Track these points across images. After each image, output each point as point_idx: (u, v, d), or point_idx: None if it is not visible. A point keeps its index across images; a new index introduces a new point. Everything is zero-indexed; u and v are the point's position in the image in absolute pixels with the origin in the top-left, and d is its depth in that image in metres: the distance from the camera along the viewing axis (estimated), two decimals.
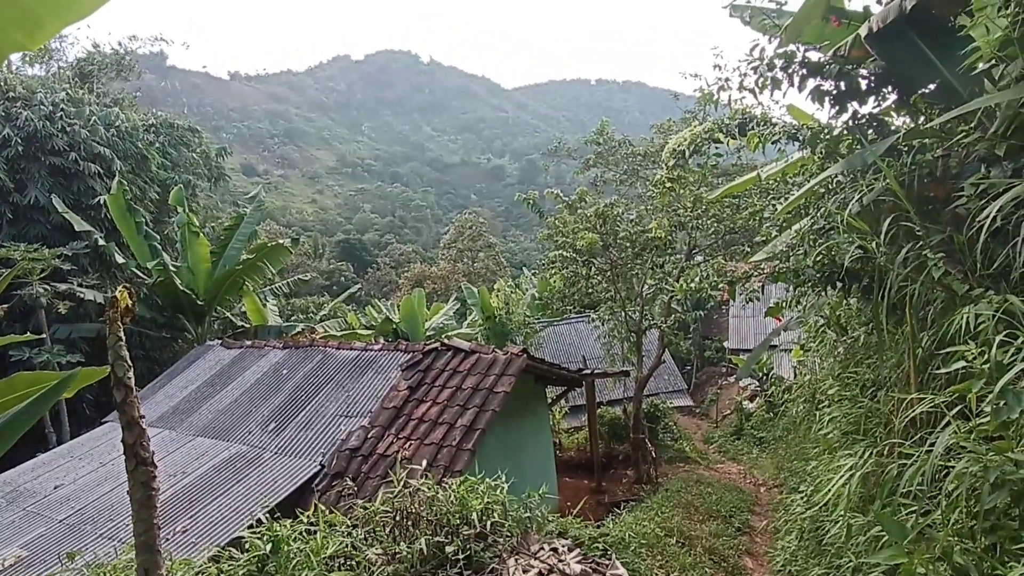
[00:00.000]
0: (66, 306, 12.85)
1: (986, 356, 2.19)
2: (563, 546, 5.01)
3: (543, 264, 14.03)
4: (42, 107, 14.44)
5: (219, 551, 4.79)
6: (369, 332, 17.19)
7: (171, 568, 4.37)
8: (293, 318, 19.24)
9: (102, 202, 14.24)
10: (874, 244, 3.94)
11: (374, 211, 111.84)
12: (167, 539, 7.03)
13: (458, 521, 4.77)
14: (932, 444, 2.26)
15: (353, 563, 4.53)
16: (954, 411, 2.38)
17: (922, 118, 4.27)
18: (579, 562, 4.76)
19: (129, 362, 2.27)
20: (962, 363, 2.29)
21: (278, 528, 4.20)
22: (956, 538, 2.18)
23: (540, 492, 5.40)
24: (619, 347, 13.06)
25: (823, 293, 5.18)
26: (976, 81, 3.63)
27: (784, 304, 7.27)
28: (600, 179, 12.32)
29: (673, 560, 5.91)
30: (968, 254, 3.42)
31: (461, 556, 4.55)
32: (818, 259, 4.87)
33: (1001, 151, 3.50)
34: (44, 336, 13.04)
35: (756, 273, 7.55)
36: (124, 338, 2.29)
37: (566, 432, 15.83)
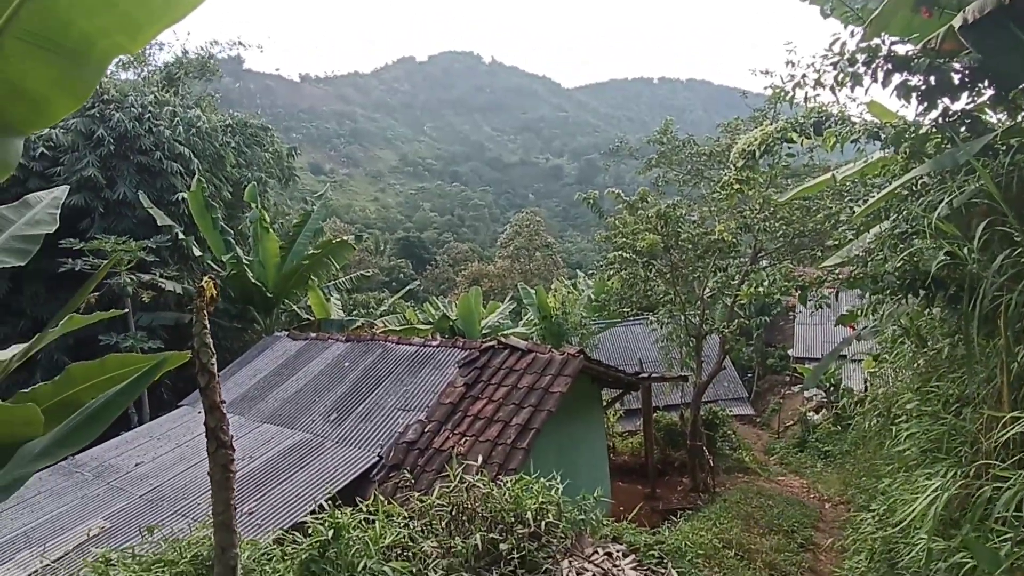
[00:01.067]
0: (149, 295, 13.74)
1: None
2: (617, 551, 4.94)
3: (601, 265, 13.86)
4: (132, 109, 15.48)
5: (283, 534, 5.00)
6: (427, 328, 17.52)
7: (241, 547, 4.58)
8: (355, 313, 19.83)
9: (182, 198, 15.13)
10: (965, 250, 3.67)
11: (433, 209, 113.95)
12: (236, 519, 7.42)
13: (512, 519, 4.79)
14: None
15: (409, 554, 4.62)
16: None
17: (1022, 115, 3.95)
18: (634, 568, 4.68)
19: (212, 349, 2.40)
20: None
21: (339, 515, 4.33)
22: None
23: (595, 495, 5.34)
24: (677, 351, 12.76)
25: (903, 301, 4.88)
26: None
27: (858, 312, 6.91)
28: (662, 179, 12.07)
29: (731, 573, 5.73)
30: None
31: (515, 554, 4.56)
32: (899, 265, 4.59)
33: None
34: (130, 323, 13.99)
35: (829, 278, 7.20)
36: (209, 327, 2.42)
37: (620, 436, 15.60)
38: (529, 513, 4.70)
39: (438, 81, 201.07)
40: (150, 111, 15.68)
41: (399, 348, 10.24)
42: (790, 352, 24.76)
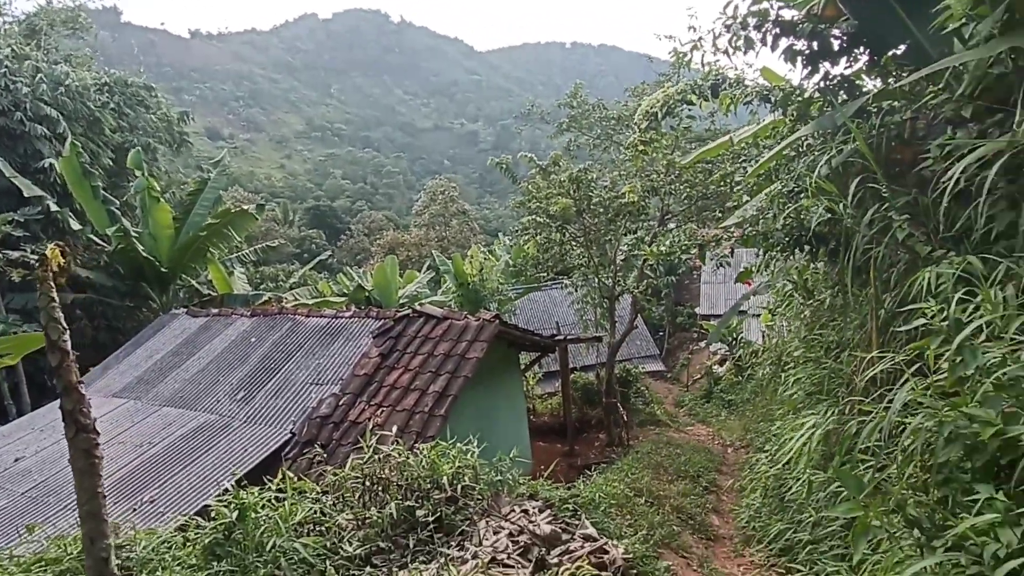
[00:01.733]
0: (20, 274, 12.35)
1: (945, 314, 2.21)
2: (534, 508, 5.07)
3: (516, 230, 13.91)
4: None
5: (187, 520, 4.73)
6: (341, 300, 16.97)
7: (134, 538, 4.30)
8: (262, 286, 18.86)
9: (50, 166, 13.58)
10: (841, 206, 3.95)
11: (345, 177, 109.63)
12: (135, 509, 6.96)
13: (429, 485, 4.79)
14: (890, 401, 2.29)
15: (323, 529, 4.52)
16: (912, 369, 2.42)
17: (892, 79, 4.25)
18: (549, 523, 4.82)
19: (64, 325, 2.14)
20: (922, 321, 2.32)
21: (244, 496, 4.15)
22: (910, 491, 2.23)
23: (511, 456, 5.43)
24: (592, 313, 13.14)
25: (791, 257, 5.22)
26: (946, 41, 3.60)
27: (754, 269, 7.35)
28: (574, 144, 12.17)
29: (642, 519, 6.05)
30: (932, 216, 3.45)
31: (431, 519, 4.57)
32: (787, 222, 4.89)
33: (967, 113, 3.50)
34: None
35: (725, 237, 7.61)
36: (57, 300, 2.16)
37: (540, 398, 15.99)
38: (445, 478, 4.71)
39: (343, 40, 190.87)
40: (6, 66, 13.82)
41: (309, 321, 9.86)
42: (697, 310, 26.15)
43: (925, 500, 2.17)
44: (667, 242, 6.29)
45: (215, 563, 3.88)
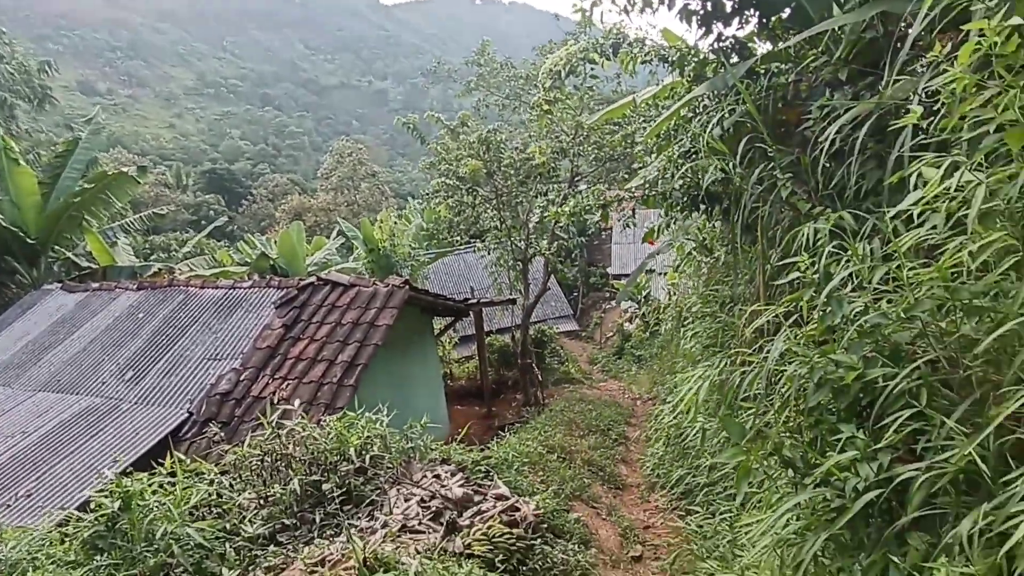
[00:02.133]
0: None
1: (816, 267, 2.34)
2: (446, 472, 5.07)
3: (428, 194, 13.58)
4: None
5: (69, 514, 4.33)
6: (243, 269, 15.99)
7: (1, 538, 3.89)
8: (152, 257, 17.41)
9: None
10: (732, 166, 4.09)
11: (244, 138, 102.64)
12: (8, 506, 6.33)
13: (336, 458, 4.65)
14: (770, 351, 2.43)
15: (222, 510, 4.29)
16: (790, 321, 2.56)
17: (780, 42, 4.40)
18: (461, 486, 4.85)
19: None
20: (797, 274, 2.45)
21: (129, 483, 3.83)
22: (786, 434, 2.39)
23: (422, 422, 5.38)
24: (506, 276, 13.18)
25: (689, 216, 5.41)
26: (827, 6, 3.75)
27: (657, 229, 7.61)
28: (483, 104, 11.93)
29: (554, 474, 6.23)
30: (812, 175, 3.64)
31: (339, 492, 4.46)
32: (684, 182, 5.04)
33: (844, 76, 3.69)
34: None
35: (627, 197, 7.78)
36: None
37: (457, 362, 16.01)
38: (352, 449, 4.59)
39: None
40: None
41: (204, 293, 9.21)
42: (608, 270, 26.96)
43: (798, 442, 2.32)
44: (572, 203, 6.35)
45: (97, 557, 3.58)
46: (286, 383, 7.31)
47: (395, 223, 16.30)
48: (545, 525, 4.72)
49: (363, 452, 4.73)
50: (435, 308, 10.15)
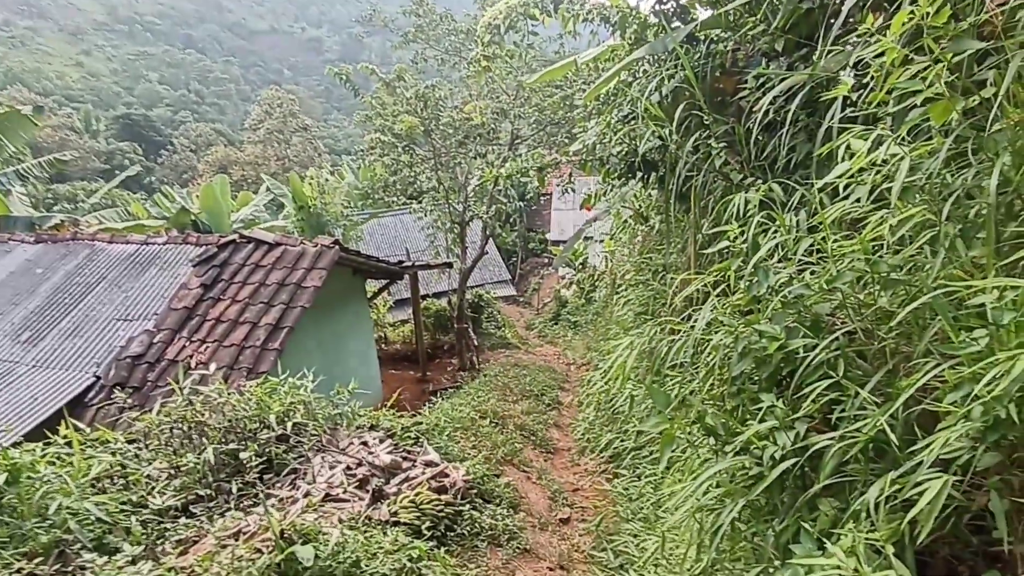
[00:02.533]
0: None
1: (745, 237, 2.34)
2: (374, 439, 4.95)
3: (362, 150, 13.01)
4: None
5: None
6: (160, 224, 14.96)
7: None
8: (56, 209, 15.97)
9: None
10: (668, 133, 4.06)
11: (163, 82, 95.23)
12: None
13: (256, 425, 4.43)
14: (697, 320, 2.43)
15: (128, 482, 4.01)
16: (718, 290, 2.57)
17: (721, 8, 4.34)
18: (390, 452, 4.75)
19: None
20: (726, 244, 2.44)
21: (16, 454, 3.50)
22: (710, 403, 2.41)
23: (350, 388, 5.21)
24: (443, 239, 12.93)
25: (626, 183, 5.38)
26: None
27: (595, 196, 7.58)
28: (421, 57, 11.41)
29: (486, 439, 6.24)
30: (745, 145, 3.65)
31: (259, 461, 4.26)
32: (621, 148, 4.98)
33: (780, 46, 3.68)
34: None
35: (565, 162, 7.70)
36: None
37: (392, 326, 15.75)
38: (273, 416, 4.38)
39: None
40: None
41: (113, 248, 8.51)
42: (547, 235, 27.08)
43: (720, 411, 2.34)
44: (510, 165, 6.20)
45: None
46: (204, 346, 6.91)
47: (326, 180, 15.58)
48: (475, 491, 4.72)
49: (285, 419, 4.53)
50: (368, 270, 9.83)
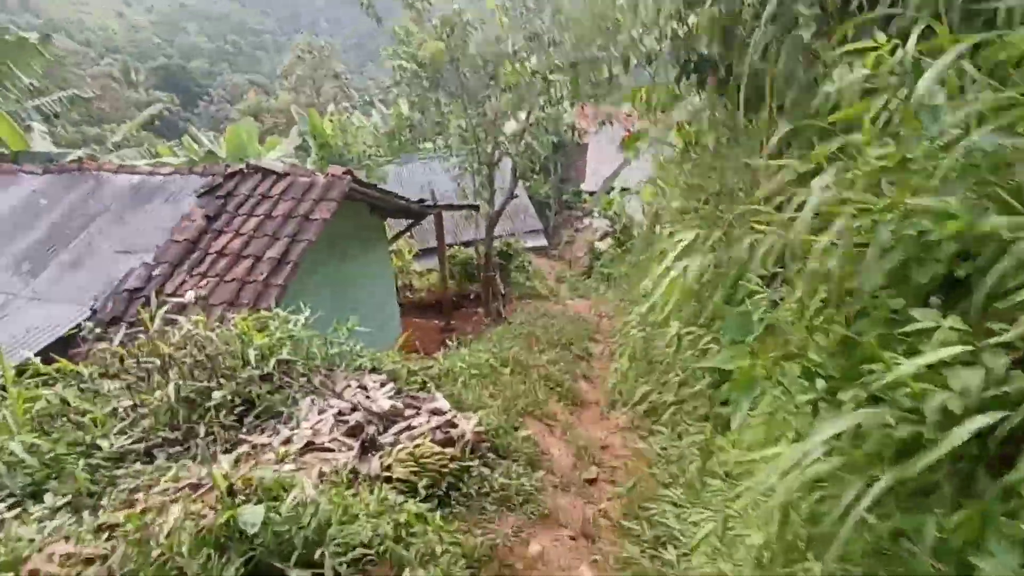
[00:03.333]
0: None
1: (902, 57, 1.48)
2: (375, 382, 4.33)
3: (388, 86, 12.15)
4: None
5: None
6: (184, 164, 14.50)
7: None
8: (84, 147, 15.68)
9: None
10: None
11: (202, 34, 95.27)
12: None
13: (236, 362, 3.84)
14: (799, 207, 1.62)
15: (79, 422, 3.48)
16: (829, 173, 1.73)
17: None
18: (390, 398, 4.12)
19: None
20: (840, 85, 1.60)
21: None
22: (809, 333, 1.63)
23: (349, 325, 4.58)
24: (471, 181, 12.12)
25: (678, 85, 4.47)
26: None
27: (635, 97, 6.67)
28: None
29: (505, 389, 5.58)
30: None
31: (239, 402, 3.68)
32: (675, 42, 4.08)
33: None
34: None
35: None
36: None
37: (419, 273, 15.17)
38: (252, 353, 3.77)
39: None
40: None
41: (118, 179, 8.01)
42: (583, 186, 25.93)
43: (828, 342, 1.55)
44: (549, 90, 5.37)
45: None
46: (205, 280, 6.38)
47: (348, 116, 14.79)
48: (487, 444, 4.06)
49: (268, 356, 3.92)
50: (387, 208, 9.13)
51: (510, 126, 11.79)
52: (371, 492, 2.99)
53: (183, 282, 6.43)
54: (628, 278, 13.45)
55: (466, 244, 16.12)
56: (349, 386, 4.27)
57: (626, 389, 5.51)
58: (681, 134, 5.28)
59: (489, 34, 11.20)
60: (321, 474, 3.14)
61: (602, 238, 20.91)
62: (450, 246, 15.88)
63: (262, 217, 6.86)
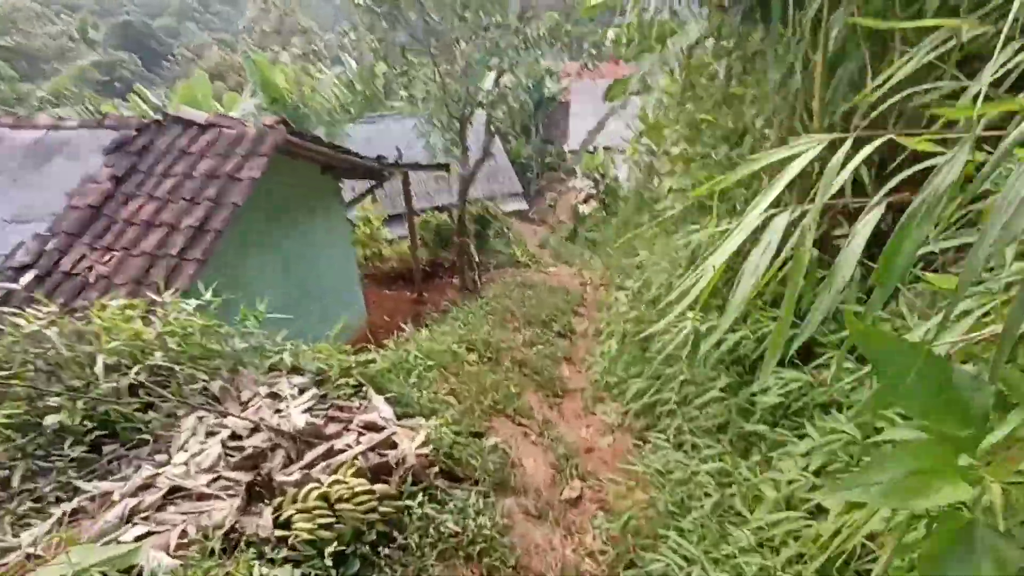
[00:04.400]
0: None
1: None
2: (292, 387, 3.34)
3: (343, 30, 10.75)
4: None
5: None
6: None
7: None
8: (14, 105, 14.15)
9: None
10: None
11: None
12: None
13: (86, 371, 2.82)
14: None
15: None
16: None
17: None
18: (312, 408, 3.15)
19: None
20: None
21: None
22: None
23: (257, 313, 3.56)
24: (440, 138, 10.93)
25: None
26: None
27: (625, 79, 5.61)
28: None
29: (472, 382, 4.63)
30: None
31: (88, 426, 2.69)
32: None
33: None
34: None
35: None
36: None
37: (388, 241, 14.06)
38: (102, 358, 2.76)
39: None
40: None
41: (15, 135, 6.76)
42: (565, 147, 24.72)
43: None
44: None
45: None
46: (109, 255, 5.29)
47: (305, 67, 13.34)
48: (438, 468, 3.13)
49: (141, 359, 2.91)
50: (341, 167, 7.99)
51: (488, 80, 10.60)
52: (249, 571, 2.03)
53: (82, 257, 5.33)
54: (614, 243, 12.50)
55: (440, 209, 15.00)
56: (257, 394, 3.28)
57: (615, 381, 4.59)
58: (685, 67, 4.23)
59: None
60: (184, 539, 2.18)
61: (586, 200, 19.90)
62: (423, 211, 14.75)
63: (180, 177, 5.73)
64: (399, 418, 3.45)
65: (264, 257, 6.82)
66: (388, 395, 3.60)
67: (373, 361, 3.93)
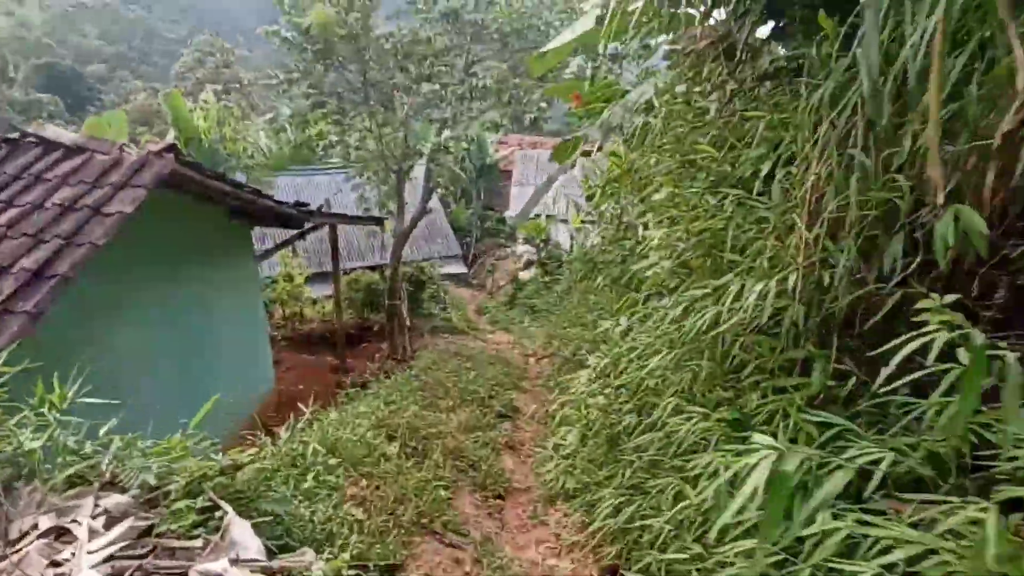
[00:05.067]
0: None
1: None
2: (99, 516, 2.16)
3: (274, 77, 9.86)
4: None
5: None
6: None
7: None
8: None
9: None
10: None
11: (102, 38, 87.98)
12: None
13: None
14: None
15: None
16: None
17: None
18: (112, 558, 1.98)
19: None
20: None
21: None
22: None
23: (56, 396, 2.41)
24: (375, 191, 10.06)
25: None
26: None
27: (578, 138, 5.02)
28: None
29: (388, 484, 3.51)
30: None
31: None
32: None
33: None
34: None
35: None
36: None
37: (312, 301, 12.79)
38: None
39: None
40: None
41: None
42: (507, 214, 24.53)
43: None
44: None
45: None
46: None
47: (227, 106, 12.28)
48: None
49: None
50: (253, 212, 6.88)
51: (430, 132, 9.97)
52: None
53: None
54: (558, 311, 11.76)
55: (372, 268, 13.93)
56: (35, 527, 2.08)
57: (575, 487, 3.59)
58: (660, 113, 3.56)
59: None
60: None
61: (526, 266, 19.41)
62: (352, 269, 13.64)
63: (27, 207, 4.50)
64: (276, 552, 2.34)
65: (141, 312, 5.53)
66: (260, 520, 2.46)
67: (250, 463, 2.78)
